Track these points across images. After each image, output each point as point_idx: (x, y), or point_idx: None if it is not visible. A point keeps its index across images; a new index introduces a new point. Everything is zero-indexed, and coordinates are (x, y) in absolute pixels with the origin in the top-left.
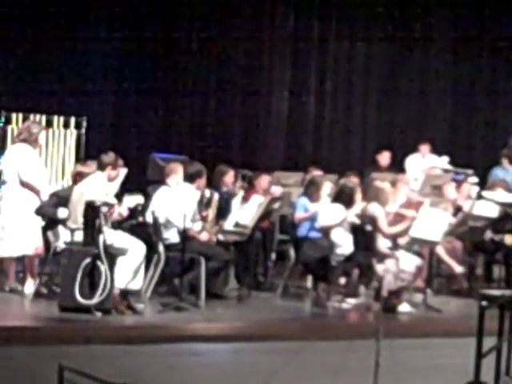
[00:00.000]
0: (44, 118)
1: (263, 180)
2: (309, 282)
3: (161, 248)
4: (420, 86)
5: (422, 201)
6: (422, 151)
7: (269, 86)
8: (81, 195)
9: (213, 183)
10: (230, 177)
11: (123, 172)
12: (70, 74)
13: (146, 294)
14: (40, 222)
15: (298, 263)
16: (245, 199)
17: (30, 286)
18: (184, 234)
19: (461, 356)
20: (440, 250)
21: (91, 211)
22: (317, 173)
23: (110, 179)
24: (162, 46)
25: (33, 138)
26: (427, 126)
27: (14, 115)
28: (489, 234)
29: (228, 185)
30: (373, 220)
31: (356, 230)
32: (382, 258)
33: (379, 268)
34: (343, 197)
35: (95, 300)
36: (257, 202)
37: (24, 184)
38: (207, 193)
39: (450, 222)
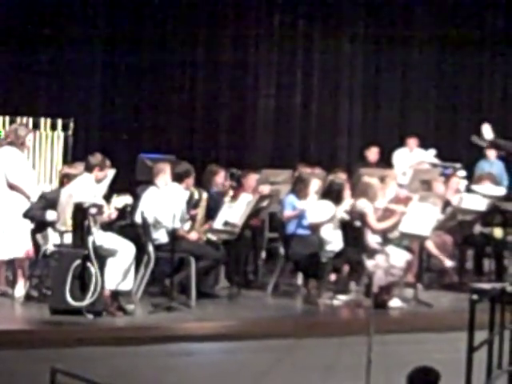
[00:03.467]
0: (31, 120)
1: (251, 179)
2: (299, 279)
3: (150, 248)
4: (404, 81)
5: (410, 196)
6: (410, 145)
7: (255, 84)
8: (69, 197)
9: (203, 183)
10: (220, 177)
11: (111, 173)
12: (56, 75)
13: (136, 295)
14: (29, 225)
15: (288, 261)
16: (233, 198)
17: (20, 289)
18: (173, 234)
19: (452, 350)
20: (430, 245)
21: (80, 213)
22: (305, 170)
23: (98, 180)
24: (148, 46)
25: (20, 140)
26: (412, 121)
27: (0, 118)
28: (478, 228)
29: (218, 185)
30: (362, 216)
31: (345, 226)
32: (371, 253)
33: (369, 264)
34: (332, 193)
35: (86, 302)
36: (245, 200)
37: (13, 187)
38: (196, 192)
39: (439, 216)
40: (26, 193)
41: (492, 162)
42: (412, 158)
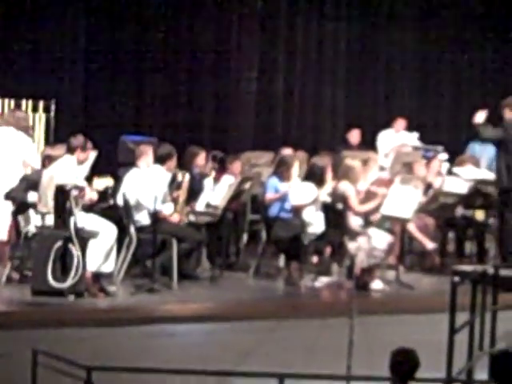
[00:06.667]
0: (13, 101)
1: (237, 164)
2: (281, 261)
3: (132, 230)
4: (387, 63)
5: (392, 178)
6: (397, 126)
7: (237, 66)
8: (51, 179)
9: (184, 165)
10: (201, 158)
11: (93, 155)
12: (38, 56)
13: (118, 277)
14: (10, 207)
15: (270, 243)
16: (216, 180)
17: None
18: (155, 216)
19: (434, 332)
20: (411, 227)
21: (61, 195)
22: (287, 152)
23: (80, 162)
24: (131, 28)
25: (22, 124)
26: (395, 104)
27: None
28: (460, 210)
29: (200, 166)
30: (344, 198)
31: (327, 209)
32: (353, 235)
33: (351, 246)
34: (314, 176)
35: (68, 283)
36: (227, 182)
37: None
38: (178, 174)
39: (421, 198)
40: None
41: (485, 145)
42: (397, 139)
